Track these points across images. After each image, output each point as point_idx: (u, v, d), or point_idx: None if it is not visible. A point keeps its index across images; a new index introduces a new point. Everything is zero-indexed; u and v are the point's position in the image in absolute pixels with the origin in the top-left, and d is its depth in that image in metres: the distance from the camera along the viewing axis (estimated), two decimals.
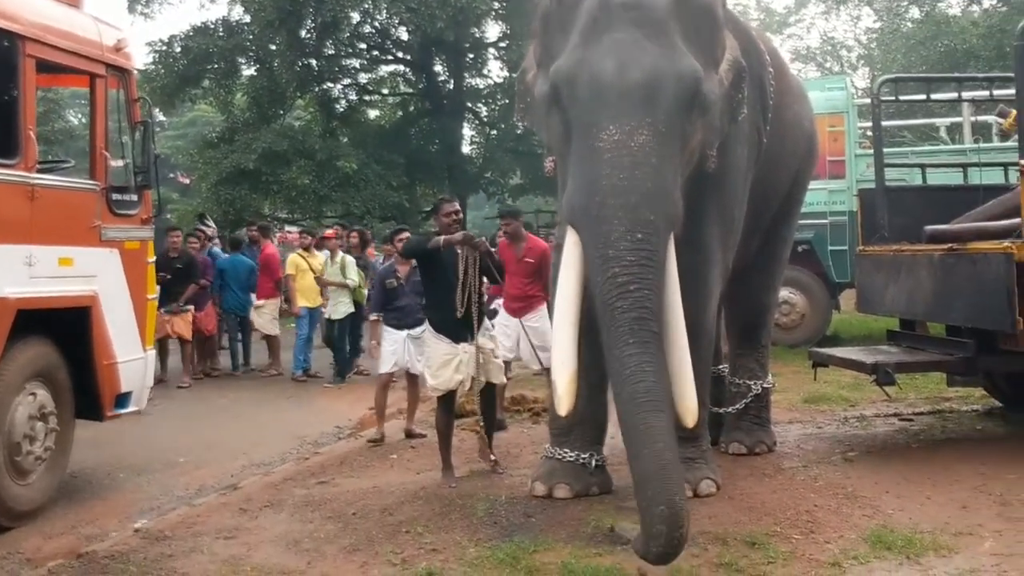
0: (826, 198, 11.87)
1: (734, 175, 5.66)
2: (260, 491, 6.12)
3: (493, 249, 6.72)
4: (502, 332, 7.56)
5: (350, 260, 10.94)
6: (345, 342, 10.96)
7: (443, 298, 6.05)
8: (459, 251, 6.02)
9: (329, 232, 11.74)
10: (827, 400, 8.57)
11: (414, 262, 7.25)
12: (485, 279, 6.28)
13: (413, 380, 7.58)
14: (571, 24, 4.83)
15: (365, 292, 10.84)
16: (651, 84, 4.52)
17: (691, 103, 4.65)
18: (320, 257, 11.57)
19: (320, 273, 11.17)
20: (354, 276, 10.81)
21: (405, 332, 7.38)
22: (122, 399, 6.24)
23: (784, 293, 10.40)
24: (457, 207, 6.40)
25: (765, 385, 6.76)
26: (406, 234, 7.73)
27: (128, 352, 6.24)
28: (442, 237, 6.04)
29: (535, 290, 7.58)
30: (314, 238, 12.08)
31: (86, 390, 5.96)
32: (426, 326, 6.53)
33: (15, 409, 5.37)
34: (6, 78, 5.43)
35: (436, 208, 6.71)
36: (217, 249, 12.11)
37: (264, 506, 5.69)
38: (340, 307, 10.78)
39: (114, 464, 6.95)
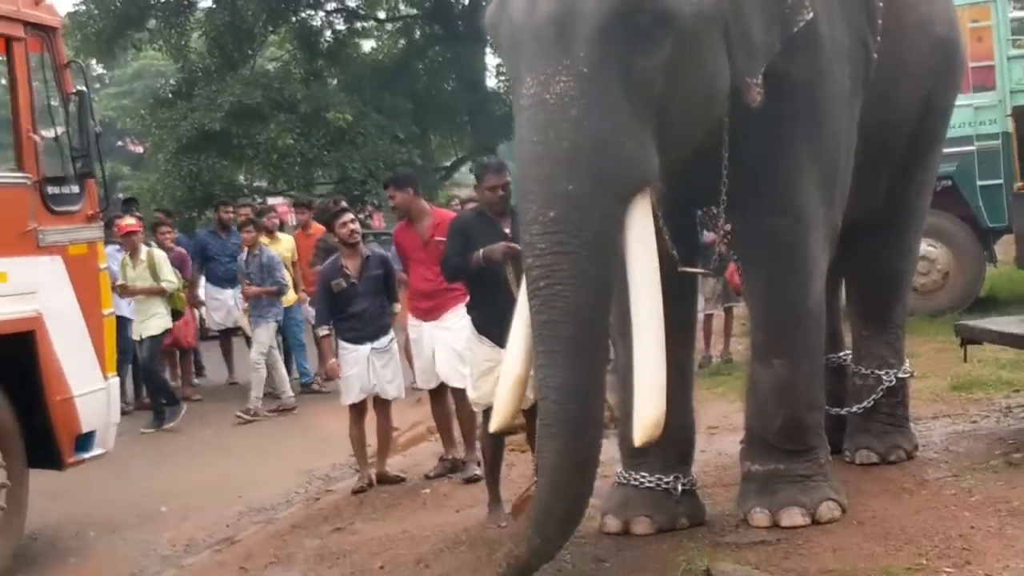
0: (971, 118, 11.72)
1: (831, 106, 5.60)
2: (263, 544, 6.29)
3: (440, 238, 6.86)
4: (414, 352, 7.65)
5: (161, 256, 10.63)
6: (160, 366, 10.81)
7: (489, 294, 6.14)
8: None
9: (130, 223, 10.84)
10: (982, 385, 8.50)
11: (366, 251, 7.51)
12: None
13: (383, 408, 7.65)
14: None
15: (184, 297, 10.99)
16: (561, 16, 4.54)
17: (628, 25, 4.57)
18: (286, 241, 11.76)
19: (292, 260, 11.41)
20: (171, 277, 10.55)
21: (368, 346, 7.42)
22: (84, 441, 6.37)
23: (921, 247, 10.27)
24: (506, 178, 6.36)
25: (901, 375, 6.72)
26: (349, 216, 7.72)
27: (86, 383, 6.36)
28: (481, 252, 6.07)
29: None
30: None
31: (39, 433, 6.07)
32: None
33: None
34: None
35: (479, 176, 6.66)
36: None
37: (269, 563, 5.86)
38: (152, 321, 10.41)
39: (82, 520, 7.11)
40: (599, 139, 4.53)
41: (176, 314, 10.81)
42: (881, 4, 5.89)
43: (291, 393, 10.97)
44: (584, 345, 4.52)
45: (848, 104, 5.75)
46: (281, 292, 10.88)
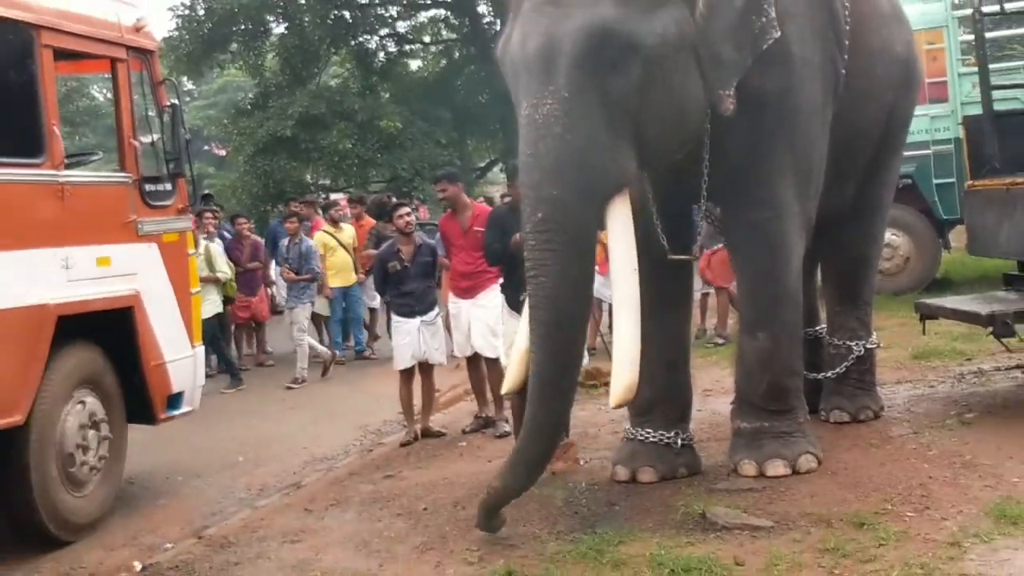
0: (928, 125, 11.52)
1: (806, 115, 5.55)
2: (324, 489, 6.29)
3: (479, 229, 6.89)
4: (453, 325, 7.56)
5: (216, 249, 10.54)
6: (218, 341, 10.44)
7: (520, 275, 6.08)
8: None
9: None
10: (939, 355, 8.43)
11: (418, 240, 7.52)
12: None
13: (428, 373, 7.60)
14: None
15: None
16: (545, 50, 4.66)
17: (597, 57, 4.65)
18: (348, 230, 11.66)
19: (353, 247, 11.33)
20: (224, 268, 10.48)
21: (418, 319, 7.40)
22: (174, 400, 6.39)
23: (885, 235, 10.14)
24: None
25: (868, 346, 6.66)
26: (406, 210, 7.71)
27: (176, 351, 6.37)
28: (518, 235, 6.05)
29: (485, 266, 7.10)
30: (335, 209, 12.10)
31: (136, 393, 6.10)
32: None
33: (65, 419, 5.51)
34: (24, 72, 5.47)
35: (511, 177, 6.70)
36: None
37: (330, 505, 5.84)
38: (206, 306, 9.76)
39: (171, 468, 7.13)
40: (578, 152, 4.63)
41: (227, 300, 10.71)
42: (847, 28, 5.82)
43: (324, 348, 10.83)
44: (560, 329, 4.68)
45: (820, 114, 5.69)
46: (314, 279, 10.72)
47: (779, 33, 5.09)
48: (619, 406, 5.01)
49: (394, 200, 11.03)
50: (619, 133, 4.76)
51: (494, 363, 6.93)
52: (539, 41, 4.70)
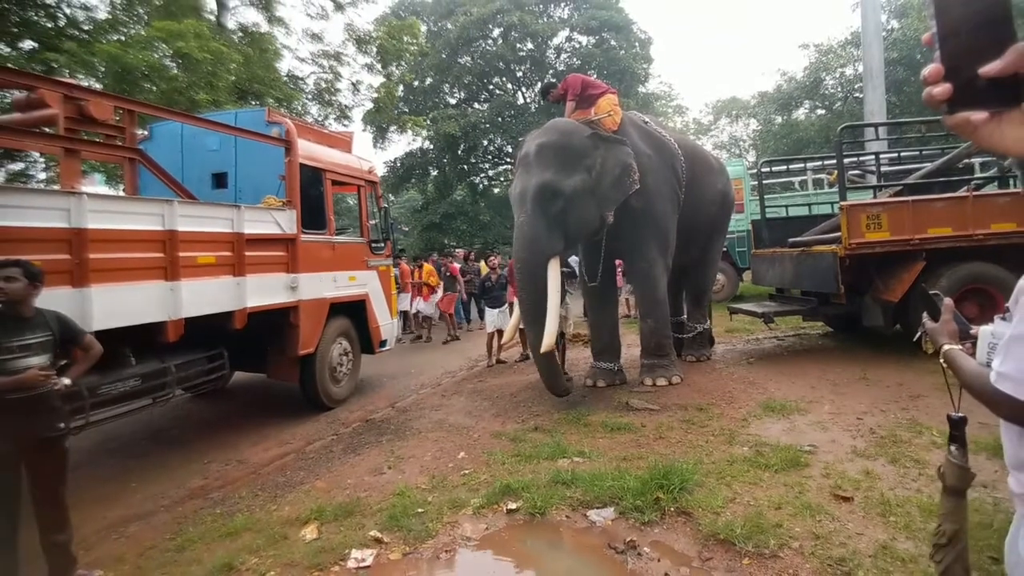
0: (734, 223, 11.16)
1: (661, 216, 5.38)
2: (451, 386, 6.27)
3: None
4: (511, 313, 7.17)
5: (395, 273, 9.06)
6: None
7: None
8: None
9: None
10: (738, 331, 8.22)
11: (500, 272, 7.42)
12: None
13: (499, 334, 7.42)
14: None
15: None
16: (522, 193, 4.74)
17: (542, 196, 4.71)
18: (480, 265, 11.37)
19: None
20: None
21: (497, 309, 7.38)
22: (383, 343, 6.36)
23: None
24: None
25: (706, 327, 6.50)
26: (494, 257, 7.74)
27: (384, 320, 6.34)
28: None
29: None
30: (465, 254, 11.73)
31: (365, 339, 6.09)
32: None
33: (332, 350, 5.56)
34: (318, 191, 5.53)
35: None
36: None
37: (453, 394, 5.84)
38: (401, 302, 8.88)
39: (380, 373, 7.12)
40: (533, 238, 4.68)
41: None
42: (684, 174, 5.62)
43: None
44: (531, 314, 4.73)
45: (669, 217, 5.49)
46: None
47: (639, 185, 5.02)
48: (547, 351, 4.80)
49: (472, 251, 10.93)
50: (553, 230, 4.77)
51: None
52: (519, 188, 4.80)
